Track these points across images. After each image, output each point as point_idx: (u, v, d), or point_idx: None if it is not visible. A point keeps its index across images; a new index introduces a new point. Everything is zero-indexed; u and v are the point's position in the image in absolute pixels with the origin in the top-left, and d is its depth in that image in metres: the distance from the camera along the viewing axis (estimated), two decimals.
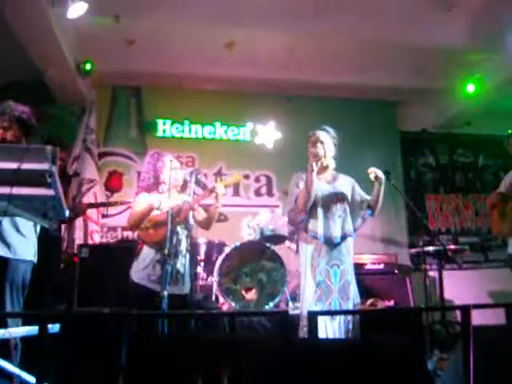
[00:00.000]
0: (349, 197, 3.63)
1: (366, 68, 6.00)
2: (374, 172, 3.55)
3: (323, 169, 3.65)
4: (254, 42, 5.55)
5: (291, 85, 6.38)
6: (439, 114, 7.13)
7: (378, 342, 2.21)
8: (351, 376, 2.02)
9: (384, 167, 5.21)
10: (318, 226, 3.48)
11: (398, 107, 7.24)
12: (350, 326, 3.34)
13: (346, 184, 3.69)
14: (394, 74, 6.13)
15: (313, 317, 1.89)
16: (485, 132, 7.51)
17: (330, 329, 3.30)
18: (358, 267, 5.56)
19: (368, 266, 5.64)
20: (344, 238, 3.50)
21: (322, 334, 3.20)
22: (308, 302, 3.37)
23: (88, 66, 5.72)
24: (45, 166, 2.28)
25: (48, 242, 3.44)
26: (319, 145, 3.59)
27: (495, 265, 7.16)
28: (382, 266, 5.68)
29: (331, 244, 3.45)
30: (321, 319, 3.21)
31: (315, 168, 3.42)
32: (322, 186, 3.58)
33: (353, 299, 3.45)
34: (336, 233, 3.48)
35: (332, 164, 3.71)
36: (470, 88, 6.29)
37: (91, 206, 5.32)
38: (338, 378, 2.00)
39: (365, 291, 5.08)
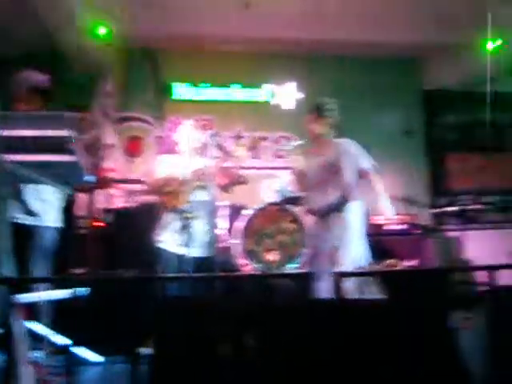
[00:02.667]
0: (340, 164, 3.64)
1: (388, 24, 5.83)
2: None
3: (319, 143, 3.77)
4: (272, 1, 5.43)
5: (310, 44, 6.24)
6: (463, 71, 6.93)
7: (401, 302, 2.23)
8: (376, 335, 2.03)
9: (405, 126, 5.21)
10: (309, 198, 3.72)
11: (422, 65, 7.06)
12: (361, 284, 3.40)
13: (338, 152, 3.69)
14: (417, 30, 5.95)
15: (337, 278, 1.91)
16: (509, 90, 7.33)
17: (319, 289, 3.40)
18: (379, 228, 5.58)
19: (388, 227, 5.63)
20: (329, 210, 3.60)
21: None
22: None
23: (102, 30, 5.64)
24: (64, 132, 2.30)
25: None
26: (309, 128, 3.78)
27: None
28: (402, 227, 5.66)
29: (322, 213, 3.61)
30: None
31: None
32: (313, 161, 3.72)
33: (345, 265, 3.46)
34: (318, 205, 3.64)
35: (328, 136, 3.77)
36: (494, 44, 6.10)
37: (117, 181, 5.40)
38: (362, 338, 2.02)
39: (385, 252, 5.10)
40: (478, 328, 2.28)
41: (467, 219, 5.70)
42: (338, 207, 3.60)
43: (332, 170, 3.63)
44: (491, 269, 1.93)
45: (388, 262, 4.96)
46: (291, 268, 4.69)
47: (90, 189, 5.18)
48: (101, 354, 3.18)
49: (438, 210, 5.79)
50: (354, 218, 3.61)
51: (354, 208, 3.63)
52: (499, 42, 6.06)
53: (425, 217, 6.37)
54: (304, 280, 2.33)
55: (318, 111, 3.79)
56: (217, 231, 4.79)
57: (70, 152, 2.36)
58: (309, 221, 3.83)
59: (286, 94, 6.41)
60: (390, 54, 6.66)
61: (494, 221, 6.97)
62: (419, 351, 2.06)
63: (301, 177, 3.80)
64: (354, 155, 3.68)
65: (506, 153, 7.27)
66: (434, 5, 5.46)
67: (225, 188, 3.94)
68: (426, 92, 7.12)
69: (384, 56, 6.66)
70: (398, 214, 5.82)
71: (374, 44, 6.28)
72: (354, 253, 3.53)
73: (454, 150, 7.22)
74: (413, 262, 5.12)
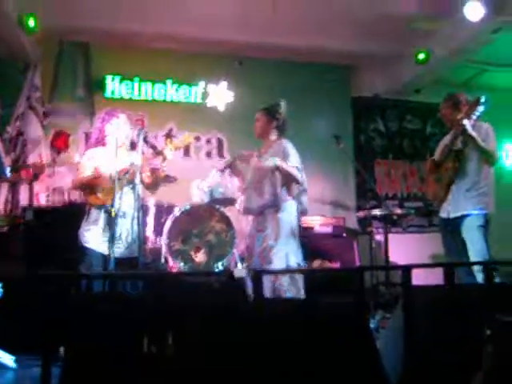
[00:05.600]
0: (277, 166, 3.70)
1: (319, 31, 5.93)
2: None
3: (264, 142, 3.90)
4: (206, 1, 5.41)
5: (243, 46, 6.25)
6: (390, 81, 7.17)
7: (323, 302, 2.26)
8: (296, 334, 2.06)
9: (334, 131, 5.33)
10: (243, 198, 3.81)
11: (351, 72, 7.25)
12: (277, 286, 3.53)
13: (276, 153, 3.76)
14: (348, 38, 6.10)
15: (257, 276, 1.91)
16: (433, 100, 7.62)
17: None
18: (307, 229, 5.68)
19: (316, 229, 5.74)
20: (265, 207, 3.69)
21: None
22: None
23: (32, 22, 5.37)
24: None
25: None
26: (256, 123, 3.90)
27: (438, 229, 7.41)
28: (329, 229, 5.79)
29: (255, 213, 3.72)
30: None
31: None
32: (252, 162, 3.82)
33: (277, 264, 3.59)
34: (256, 203, 3.72)
35: (271, 136, 3.89)
36: (421, 56, 6.33)
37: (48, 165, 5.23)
38: (282, 338, 2.03)
39: (312, 253, 5.19)
40: (394, 327, 2.35)
41: (392, 223, 5.88)
42: (273, 206, 3.68)
43: (270, 174, 3.71)
44: (406, 268, 2.00)
45: (315, 262, 5.06)
46: (219, 268, 4.68)
47: (10, 184, 4.99)
48: (16, 356, 3.07)
49: (363, 214, 5.94)
50: (288, 218, 3.72)
51: (287, 207, 3.73)
52: (423, 55, 6.27)
53: (351, 220, 6.55)
54: (228, 279, 2.33)
55: (270, 113, 3.89)
56: (144, 231, 4.73)
57: None
58: (243, 220, 3.87)
59: (220, 95, 6.40)
60: (321, 60, 6.79)
61: (417, 225, 7.27)
62: (338, 351, 2.09)
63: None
64: (289, 155, 3.76)
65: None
66: (365, 15, 5.61)
67: (150, 187, 3.88)
68: (356, 99, 7.31)
69: (315, 61, 6.79)
70: (325, 217, 5.98)
71: (305, 49, 6.39)
72: (286, 251, 3.64)
73: (381, 156, 7.45)
74: (338, 264, 5.24)
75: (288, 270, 3.63)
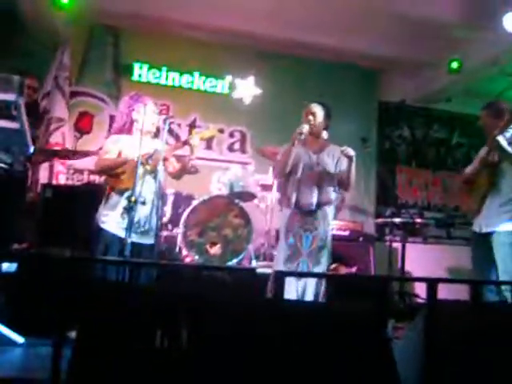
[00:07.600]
0: (331, 168, 3.71)
1: (351, 32, 5.86)
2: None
3: (314, 139, 3.76)
4: None
5: (273, 41, 6.21)
6: (420, 88, 7.07)
7: (342, 307, 2.21)
8: (313, 338, 2.01)
9: (359, 134, 5.25)
10: (294, 192, 3.63)
11: (381, 76, 7.15)
12: (319, 291, 3.51)
13: (331, 155, 3.76)
14: (380, 41, 6.02)
15: (280, 277, 1.86)
16: (462, 110, 7.52)
17: (293, 289, 3.40)
18: None
19: (334, 232, 5.67)
20: (319, 206, 3.63)
21: (287, 294, 3.33)
22: (279, 263, 3.46)
23: (65, 0, 5.40)
24: (10, 96, 2.15)
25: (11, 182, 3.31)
26: (310, 116, 3.72)
27: (457, 242, 7.28)
28: (347, 233, 5.72)
29: (305, 210, 3.60)
30: (288, 279, 3.35)
31: (295, 142, 3.58)
32: (305, 155, 3.71)
33: (324, 265, 3.61)
34: (310, 200, 3.62)
35: (323, 134, 3.80)
36: (454, 65, 6.23)
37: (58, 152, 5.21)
38: (300, 341, 1.99)
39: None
40: (413, 339, 2.29)
41: (410, 232, 5.80)
42: (325, 206, 3.66)
43: (325, 173, 3.70)
44: (431, 282, 1.93)
45: (332, 266, 4.99)
46: (233, 263, 4.64)
47: (32, 161, 4.99)
48: (25, 334, 3.05)
49: (382, 220, 5.86)
50: (331, 220, 3.74)
51: (330, 211, 3.71)
52: (456, 64, 6.17)
53: (370, 226, 6.47)
54: (247, 276, 2.29)
55: (327, 110, 3.84)
56: (161, 219, 4.71)
57: (15, 118, 2.20)
58: (285, 214, 3.69)
59: (247, 89, 6.36)
60: (350, 61, 6.71)
61: (436, 236, 7.16)
62: (355, 358, 2.05)
63: (284, 164, 3.68)
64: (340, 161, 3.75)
65: (452, 171, 7.44)
66: (399, 19, 5.52)
67: (175, 175, 3.85)
68: (383, 103, 7.21)
69: (345, 63, 6.72)
70: (343, 221, 5.91)
71: (334, 50, 6.33)
72: (328, 254, 3.66)
73: (404, 163, 7.36)
74: (354, 269, 5.17)
75: (314, 274, 3.59)
